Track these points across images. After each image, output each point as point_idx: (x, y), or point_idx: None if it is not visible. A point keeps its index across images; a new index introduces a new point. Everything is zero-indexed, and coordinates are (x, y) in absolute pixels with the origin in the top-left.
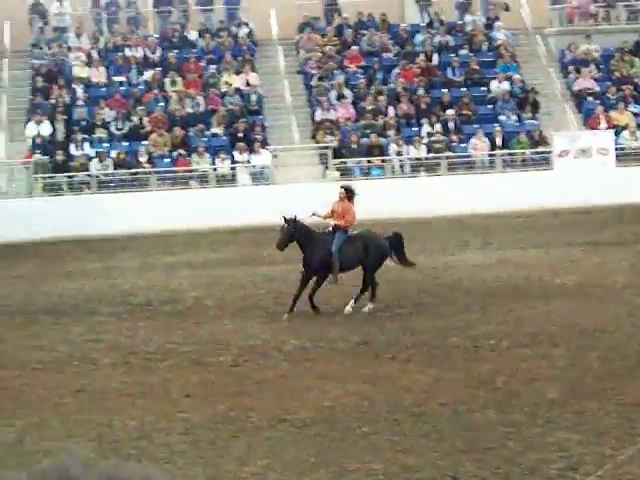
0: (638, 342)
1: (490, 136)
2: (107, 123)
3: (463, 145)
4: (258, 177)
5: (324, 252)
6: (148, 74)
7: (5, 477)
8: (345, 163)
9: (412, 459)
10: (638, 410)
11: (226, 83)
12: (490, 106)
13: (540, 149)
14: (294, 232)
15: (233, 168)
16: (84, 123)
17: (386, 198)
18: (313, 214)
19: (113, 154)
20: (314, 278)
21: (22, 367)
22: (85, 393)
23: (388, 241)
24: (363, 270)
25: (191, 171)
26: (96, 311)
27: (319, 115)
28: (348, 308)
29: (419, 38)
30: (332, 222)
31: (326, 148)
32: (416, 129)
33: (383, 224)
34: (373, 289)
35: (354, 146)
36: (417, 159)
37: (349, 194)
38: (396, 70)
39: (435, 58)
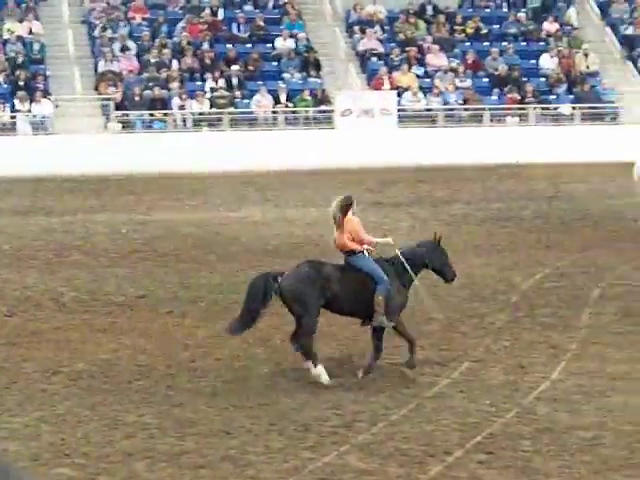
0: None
1: (274, 93)
2: None
3: (246, 101)
4: (39, 127)
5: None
6: None
7: None
8: (127, 115)
9: (186, 414)
10: (419, 370)
11: (8, 30)
12: (275, 63)
13: (323, 108)
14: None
15: (13, 117)
16: None
17: (167, 152)
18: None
19: None
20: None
21: None
22: None
23: None
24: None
25: None
26: None
27: (102, 66)
28: None
29: None
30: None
31: (108, 100)
32: (200, 84)
33: (157, 178)
34: None
35: (137, 98)
36: (200, 114)
37: None
38: (181, 24)
39: (221, 13)
